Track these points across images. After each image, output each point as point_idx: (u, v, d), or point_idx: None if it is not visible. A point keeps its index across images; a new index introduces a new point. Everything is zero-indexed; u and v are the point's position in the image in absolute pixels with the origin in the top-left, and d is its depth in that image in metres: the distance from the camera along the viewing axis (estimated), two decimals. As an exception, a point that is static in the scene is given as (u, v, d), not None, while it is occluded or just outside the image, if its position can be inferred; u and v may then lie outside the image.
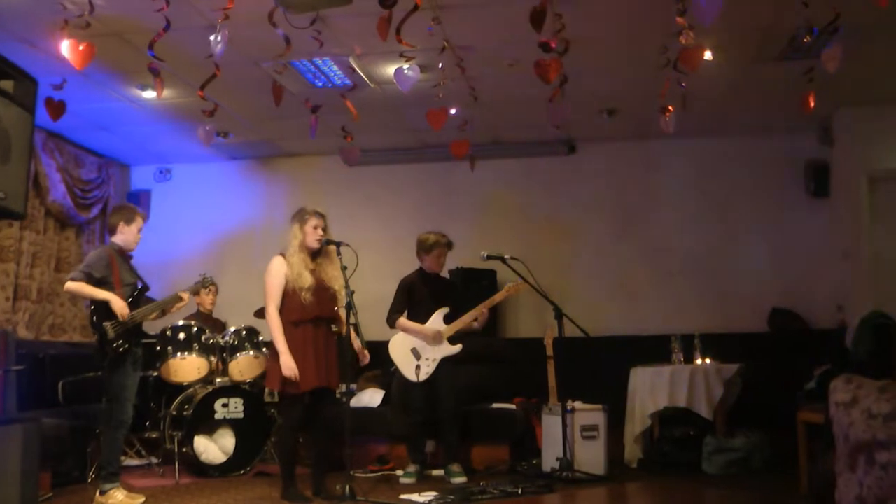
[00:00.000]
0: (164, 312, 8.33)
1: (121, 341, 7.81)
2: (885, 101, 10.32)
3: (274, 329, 7.82)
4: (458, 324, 9.15)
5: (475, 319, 9.17)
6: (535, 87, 7.78)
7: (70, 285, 7.87)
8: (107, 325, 7.79)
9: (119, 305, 7.77)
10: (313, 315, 7.83)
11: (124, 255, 8.21)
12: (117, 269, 8.00)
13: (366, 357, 8.06)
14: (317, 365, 7.79)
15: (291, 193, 12.54)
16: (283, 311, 7.86)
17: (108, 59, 8.60)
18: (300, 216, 8.05)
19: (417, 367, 9.03)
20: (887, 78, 9.55)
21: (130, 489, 8.17)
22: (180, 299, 8.32)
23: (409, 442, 9.30)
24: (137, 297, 8.10)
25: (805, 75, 7.66)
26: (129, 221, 8.19)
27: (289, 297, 7.86)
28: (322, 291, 7.90)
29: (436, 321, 9.21)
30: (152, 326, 9.41)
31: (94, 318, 7.88)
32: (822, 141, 11.31)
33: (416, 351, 9.13)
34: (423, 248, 9.35)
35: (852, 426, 4.77)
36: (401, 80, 7.51)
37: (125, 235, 8.18)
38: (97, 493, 7.77)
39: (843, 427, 4.86)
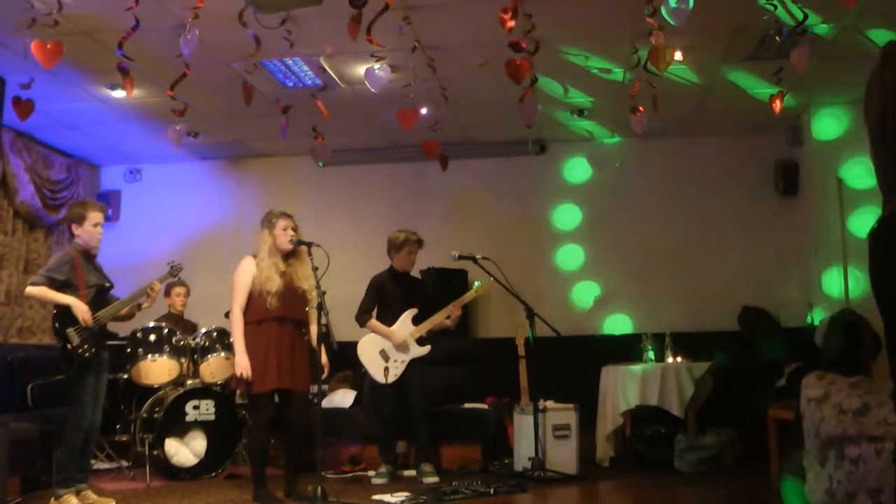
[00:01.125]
0: (139, 307, 8.22)
1: (86, 346, 7.66)
2: (853, 101, 10.38)
3: (235, 328, 7.86)
4: (428, 324, 9.18)
5: (447, 317, 9.19)
6: (505, 86, 7.78)
7: (31, 290, 7.69)
8: (70, 331, 7.62)
9: (81, 311, 7.61)
10: (277, 314, 7.83)
11: (88, 255, 8.03)
12: (80, 271, 7.81)
13: (326, 372, 8.07)
14: (279, 366, 7.77)
15: (262, 194, 12.52)
16: (246, 311, 7.88)
17: (77, 58, 8.57)
18: (268, 220, 8.05)
19: (386, 369, 9.03)
20: (856, 77, 9.60)
21: (101, 493, 8.10)
22: (151, 290, 8.18)
23: (380, 442, 9.29)
24: (101, 297, 7.96)
25: (774, 76, 7.69)
26: (80, 221, 7.94)
27: (254, 298, 7.86)
28: (291, 293, 7.90)
29: (404, 322, 9.23)
30: (123, 328, 9.37)
31: (57, 324, 7.71)
32: (792, 141, 11.36)
33: (385, 352, 9.14)
34: (394, 245, 9.36)
35: (823, 421, 4.80)
36: (371, 80, 7.52)
37: (82, 236, 7.96)
38: (52, 498, 7.67)
39: (814, 422, 4.89)
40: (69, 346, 7.63)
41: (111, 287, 8.15)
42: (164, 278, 8.51)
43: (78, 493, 7.76)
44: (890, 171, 2.40)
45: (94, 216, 8.02)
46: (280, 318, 7.85)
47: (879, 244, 2.40)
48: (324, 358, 7.92)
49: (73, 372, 7.70)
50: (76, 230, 7.97)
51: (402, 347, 9.15)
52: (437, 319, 9.18)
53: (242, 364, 7.67)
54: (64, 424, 7.90)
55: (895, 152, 2.39)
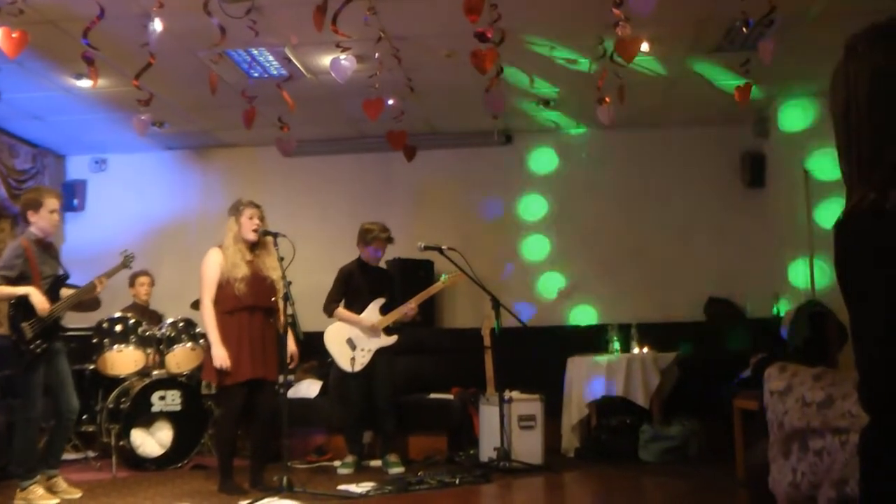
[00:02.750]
0: (81, 303, 8.16)
1: (39, 341, 7.61)
2: (819, 93, 10.43)
3: (207, 321, 7.84)
4: (395, 314, 9.21)
5: (409, 310, 9.22)
6: (471, 77, 7.79)
7: None
8: (25, 325, 7.55)
9: (39, 300, 7.54)
10: (247, 304, 7.84)
11: (43, 243, 7.94)
12: (35, 262, 7.72)
13: (296, 360, 8.07)
14: (251, 355, 7.80)
15: (228, 184, 12.44)
16: (217, 302, 7.87)
17: (42, 47, 8.50)
18: (235, 208, 8.06)
19: (352, 358, 9.05)
20: (822, 69, 9.63)
21: (67, 483, 8.07)
22: (95, 287, 8.07)
23: (346, 433, 9.31)
24: (56, 287, 7.90)
25: (741, 67, 7.72)
26: (36, 208, 7.85)
27: (223, 288, 7.87)
28: (258, 282, 7.92)
29: (371, 311, 9.25)
30: (88, 318, 9.33)
31: (13, 313, 7.63)
32: (758, 132, 11.41)
33: (352, 341, 9.15)
34: (364, 239, 9.36)
35: (787, 414, 4.82)
36: (337, 70, 7.50)
37: (38, 223, 7.87)
38: (18, 490, 7.62)
39: (777, 415, 4.91)
40: (22, 340, 7.57)
41: (67, 277, 8.07)
42: (116, 269, 8.41)
43: (49, 479, 7.79)
44: (853, 164, 2.42)
45: (51, 202, 7.93)
46: (250, 307, 7.87)
47: (844, 236, 2.42)
48: (293, 346, 7.95)
49: (22, 367, 7.64)
50: (32, 217, 7.89)
51: (371, 333, 9.16)
52: (402, 311, 9.21)
53: (220, 355, 7.67)
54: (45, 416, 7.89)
55: (858, 146, 2.41)
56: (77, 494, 7.85)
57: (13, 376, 7.92)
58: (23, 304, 7.58)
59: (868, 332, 2.25)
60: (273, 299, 7.99)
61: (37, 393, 7.71)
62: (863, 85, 2.41)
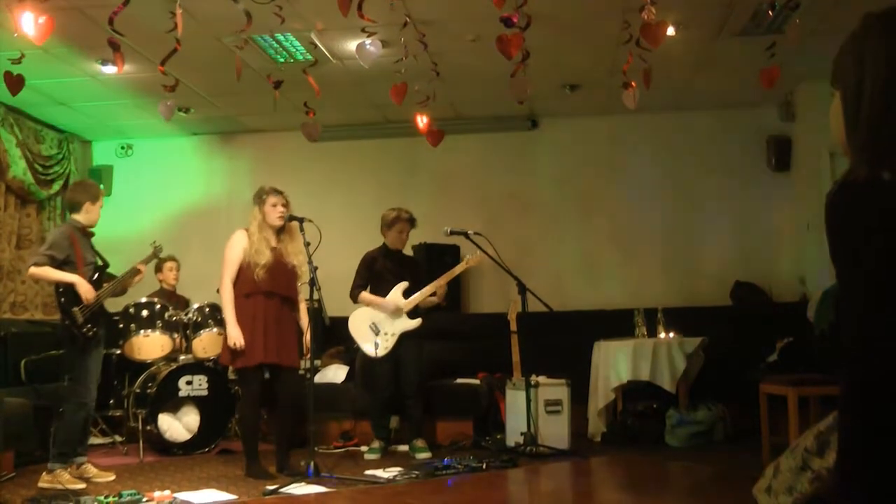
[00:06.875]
0: (123, 289, 8.28)
1: (90, 325, 7.69)
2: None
3: (225, 300, 7.89)
4: (418, 297, 9.18)
5: (433, 294, 9.20)
6: (497, 62, 7.77)
7: (34, 271, 7.69)
8: (76, 310, 7.63)
9: (85, 289, 7.65)
10: (264, 289, 7.84)
11: (85, 232, 8.05)
12: (79, 248, 7.83)
13: (306, 351, 8.07)
14: (265, 340, 7.81)
15: (253, 169, 12.49)
16: (236, 284, 7.90)
17: (68, 33, 8.52)
18: (258, 196, 8.07)
19: (376, 343, 9.04)
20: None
21: (96, 468, 8.10)
22: (138, 272, 8.33)
23: (373, 418, 9.31)
24: (99, 275, 7.99)
25: (767, 50, 7.68)
26: (95, 200, 8.05)
27: (243, 270, 7.88)
28: (280, 268, 7.93)
29: (395, 295, 9.21)
30: (115, 303, 9.37)
31: (63, 300, 7.71)
32: (784, 116, 11.36)
33: (375, 326, 9.14)
34: (385, 223, 9.38)
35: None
36: (362, 55, 7.49)
37: (91, 214, 8.03)
38: (44, 472, 7.65)
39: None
40: (75, 324, 7.64)
41: (107, 266, 8.16)
42: (149, 259, 8.70)
43: (79, 467, 7.84)
44: (858, 136, 2.43)
45: (101, 199, 8.21)
46: (268, 292, 7.87)
47: (836, 206, 2.45)
48: (307, 338, 7.96)
49: (77, 350, 7.72)
50: (88, 207, 8.04)
51: (395, 314, 9.15)
52: (426, 293, 9.19)
53: (234, 335, 7.70)
54: (60, 400, 7.93)
55: (866, 129, 2.41)
56: (110, 477, 7.89)
57: (66, 360, 8.00)
58: (70, 289, 7.67)
59: (854, 297, 2.28)
60: (299, 284, 8.03)
61: (91, 378, 7.82)
62: (878, 68, 2.42)
